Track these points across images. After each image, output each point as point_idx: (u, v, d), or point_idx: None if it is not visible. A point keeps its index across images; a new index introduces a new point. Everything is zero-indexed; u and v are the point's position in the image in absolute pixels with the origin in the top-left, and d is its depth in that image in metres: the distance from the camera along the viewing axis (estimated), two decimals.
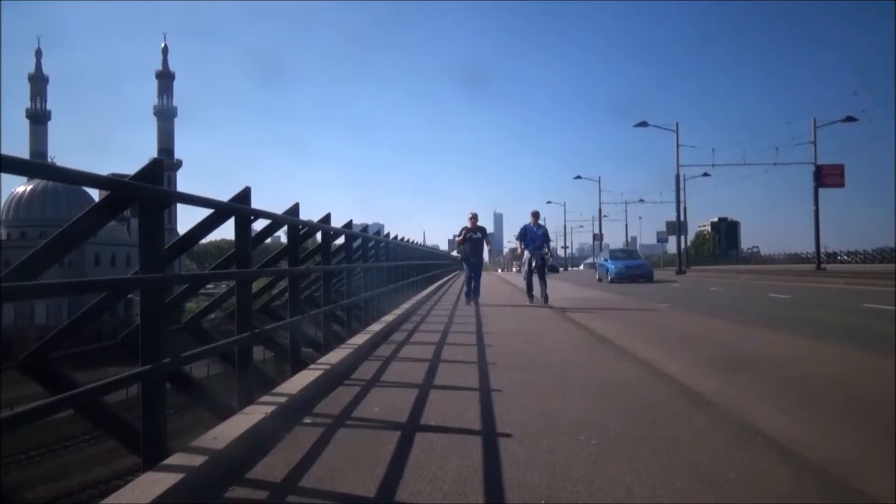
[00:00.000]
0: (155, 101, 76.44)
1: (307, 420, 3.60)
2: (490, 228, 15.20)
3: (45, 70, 73.18)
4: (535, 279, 12.38)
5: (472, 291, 12.58)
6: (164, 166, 2.98)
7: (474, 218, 12.59)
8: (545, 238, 12.75)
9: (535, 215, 12.70)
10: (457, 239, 13.03)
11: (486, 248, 12.97)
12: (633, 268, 24.27)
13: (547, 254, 12.88)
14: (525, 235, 12.45)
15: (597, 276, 27.30)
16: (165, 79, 76.64)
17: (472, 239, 12.52)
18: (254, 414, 3.33)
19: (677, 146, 35.86)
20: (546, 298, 12.10)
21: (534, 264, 12.29)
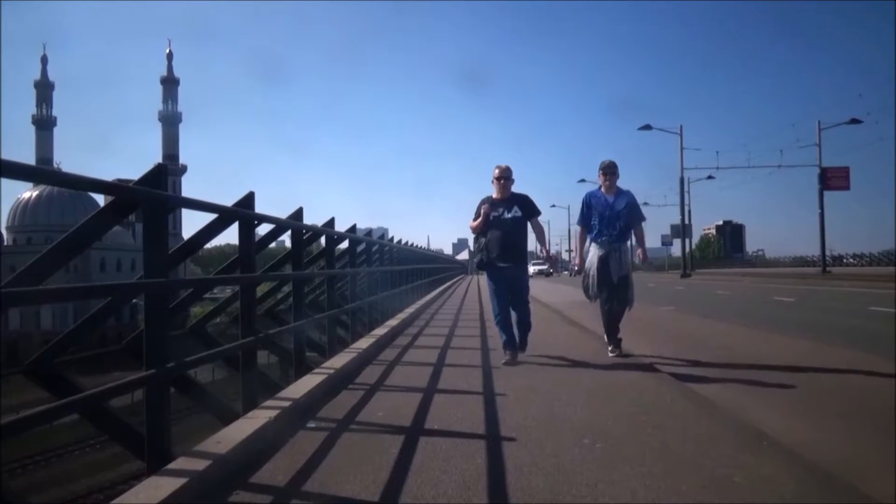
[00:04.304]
0: (160, 106, 76.83)
1: (311, 424, 3.61)
2: None
3: (51, 75, 73.54)
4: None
5: (519, 334, 5.84)
6: (167, 171, 2.99)
7: (504, 177, 5.81)
8: (632, 215, 5.98)
9: (610, 171, 6.00)
10: (471, 225, 5.91)
11: (542, 241, 6.20)
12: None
13: (637, 250, 7.01)
14: (590, 213, 6.01)
15: None
16: (170, 84, 76.89)
17: (501, 221, 5.72)
18: (258, 418, 3.33)
19: (681, 149, 35.90)
20: (617, 344, 5.91)
21: (612, 269, 5.84)
